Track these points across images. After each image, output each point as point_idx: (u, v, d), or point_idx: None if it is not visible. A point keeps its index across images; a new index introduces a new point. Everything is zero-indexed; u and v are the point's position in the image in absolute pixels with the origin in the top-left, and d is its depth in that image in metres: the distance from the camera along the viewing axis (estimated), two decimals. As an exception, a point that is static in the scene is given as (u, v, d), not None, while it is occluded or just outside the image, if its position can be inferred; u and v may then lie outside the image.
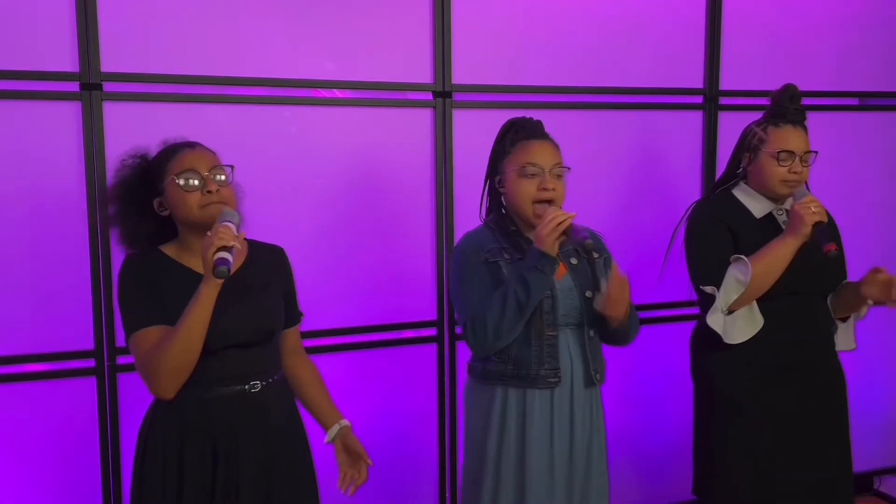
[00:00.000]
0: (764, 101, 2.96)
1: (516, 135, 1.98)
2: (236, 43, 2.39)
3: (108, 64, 2.26)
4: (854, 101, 3.15)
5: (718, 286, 2.09)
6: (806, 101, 3.02)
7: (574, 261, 1.99)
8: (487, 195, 2.08)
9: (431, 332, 2.69)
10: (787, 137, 2.14)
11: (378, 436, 2.65)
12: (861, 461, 3.25)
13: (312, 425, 1.98)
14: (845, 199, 3.11)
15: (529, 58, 2.70)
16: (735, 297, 2.06)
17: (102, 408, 2.33)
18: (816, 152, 2.18)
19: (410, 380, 2.69)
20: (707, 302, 2.15)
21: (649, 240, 2.87)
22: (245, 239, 1.86)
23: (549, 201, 1.91)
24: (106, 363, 2.32)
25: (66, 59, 2.23)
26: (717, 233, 2.16)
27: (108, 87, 2.27)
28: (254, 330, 1.75)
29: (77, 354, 2.31)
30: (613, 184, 2.86)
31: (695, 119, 2.94)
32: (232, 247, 1.57)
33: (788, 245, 2.05)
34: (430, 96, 2.61)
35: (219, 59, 2.37)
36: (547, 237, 1.82)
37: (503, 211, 2.02)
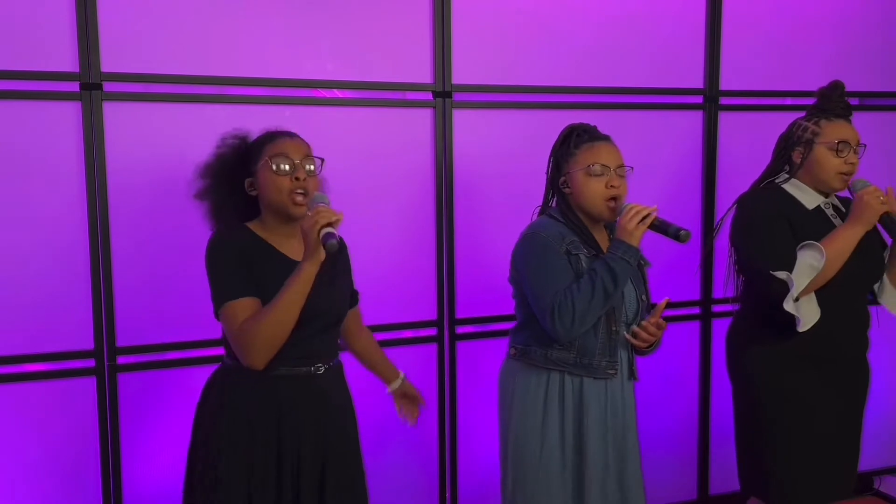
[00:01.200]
0: (764, 100, 2.99)
1: (580, 138, 2.05)
2: (236, 43, 2.39)
3: (108, 64, 2.26)
4: (854, 101, 3.15)
5: (789, 272, 2.09)
6: (806, 100, 3.04)
7: None
8: (553, 195, 2.13)
9: (431, 332, 2.69)
10: (841, 130, 2.19)
11: (378, 435, 2.65)
12: (861, 461, 3.25)
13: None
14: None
15: (529, 58, 2.70)
16: (806, 282, 2.08)
17: (102, 408, 2.33)
18: (865, 145, 2.23)
19: (410, 380, 2.69)
20: (764, 291, 2.15)
21: (649, 239, 2.86)
22: None
23: (615, 199, 2.00)
24: (106, 363, 2.32)
25: (66, 59, 2.23)
26: (778, 221, 2.17)
27: (108, 87, 2.27)
28: (333, 313, 1.87)
29: (77, 354, 2.31)
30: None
31: (695, 119, 2.95)
32: (336, 220, 1.65)
33: (856, 233, 2.09)
34: (430, 96, 2.61)
35: (219, 59, 2.37)
36: (635, 230, 1.94)
37: (570, 207, 2.07)
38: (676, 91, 2.90)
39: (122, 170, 2.30)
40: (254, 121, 2.39)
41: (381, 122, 2.56)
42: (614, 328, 2.01)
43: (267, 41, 2.42)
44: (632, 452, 2.10)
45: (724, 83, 2.94)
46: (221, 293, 1.76)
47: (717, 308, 2.99)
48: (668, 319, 2.91)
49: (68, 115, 2.25)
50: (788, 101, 3.00)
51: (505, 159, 2.69)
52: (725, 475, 3.09)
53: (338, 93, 2.53)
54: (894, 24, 3.16)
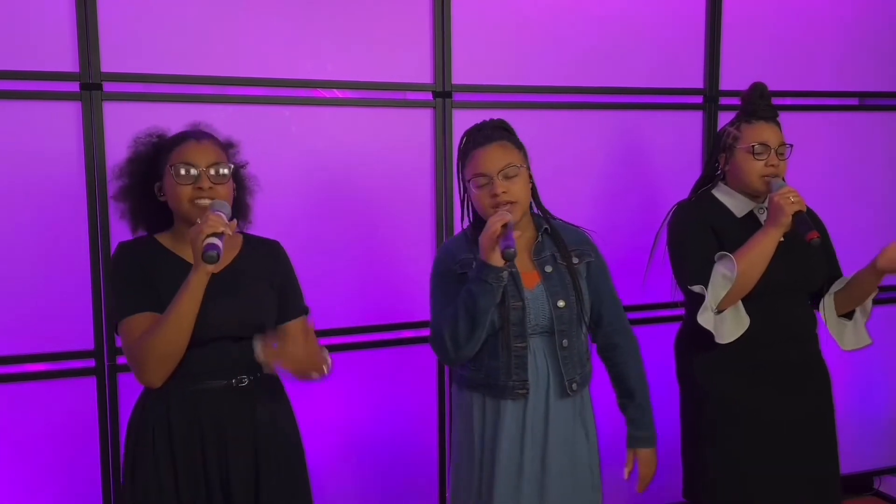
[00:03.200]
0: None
1: (466, 147, 1.95)
2: (236, 43, 2.39)
3: (108, 64, 2.26)
4: (854, 101, 3.15)
5: (706, 285, 2.08)
6: (806, 101, 3.05)
7: (549, 269, 1.95)
8: (465, 206, 2.04)
9: (431, 332, 2.69)
10: (760, 132, 2.15)
11: (378, 435, 2.65)
12: (861, 461, 3.25)
13: (307, 424, 1.98)
14: (845, 199, 3.11)
15: (529, 58, 2.70)
16: (723, 293, 2.06)
17: (102, 408, 2.33)
18: (791, 145, 2.19)
19: (410, 380, 2.69)
20: (693, 303, 2.14)
21: (649, 239, 2.86)
22: (241, 232, 1.87)
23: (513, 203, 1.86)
24: (106, 363, 2.32)
25: (66, 59, 2.23)
26: (700, 233, 2.16)
27: (108, 87, 2.27)
28: (241, 323, 1.74)
29: (77, 354, 2.31)
30: (613, 184, 2.86)
31: (695, 119, 2.95)
32: (222, 233, 1.57)
33: (770, 236, 2.05)
34: (430, 96, 2.61)
35: (219, 59, 2.37)
36: (484, 247, 1.78)
37: (479, 219, 1.97)
38: (676, 91, 2.90)
39: (122, 170, 2.30)
40: (254, 121, 2.41)
41: (382, 122, 2.56)
42: (519, 344, 1.88)
43: (267, 41, 2.42)
44: (584, 473, 1.96)
45: (724, 83, 2.94)
46: (117, 309, 1.71)
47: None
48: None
49: (68, 115, 2.25)
50: (788, 101, 3.00)
51: (505, 159, 2.69)
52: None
53: (338, 93, 2.53)
54: (895, 24, 3.16)
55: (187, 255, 1.73)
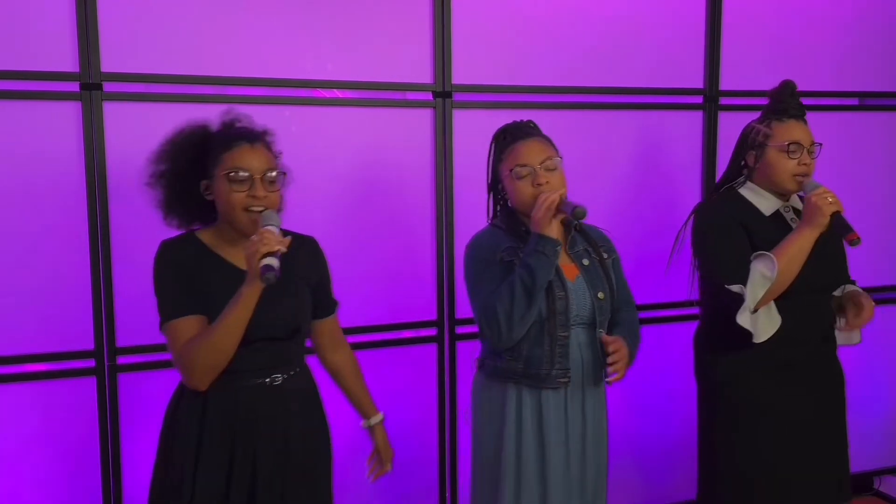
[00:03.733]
0: (764, 101, 2.98)
1: (504, 141, 2.03)
2: (236, 43, 2.39)
3: (108, 64, 2.26)
4: (854, 101, 3.16)
5: (744, 284, 2.06)
6: (806, 101, 3.02)
7: (586, 262, 2.02)
8: (493, 200, 2.12)
9: (431, 332, 2.69)
10: (792, 130, 2.15)
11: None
12: (861, 461, 3.25)
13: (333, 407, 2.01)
14: (845, 199, 3.08)
15: (529, 58, 2.70)
16: (762, 293, 2.04)
17: (102, 408, 2.33)
18: (821, 144, 2.19)
19: (410, 380, 2.69)
20: (722, 302, 2.12)
21: (650, 239, 2.87)
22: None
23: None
24: (106, 363, 2.32)
25: (66, 59, 2.23)
26: (733, 231, 2.14)
27: (108, 87, 2.28)
28: (280, 325, 1.77)
29: (77, 354, 2.31)
30: (613, 184, 2.86)
31: (695, 119, 2.95)
32: (277, 251, 1.58)
33: (806, 237, 2.05)
34: (430, 96, 2.61)
35: (219, 59, 2.37)
36: (541, 219, 1.88)
37: (511, 213, 2.05)
38: (676, 91, 2.90)
39: (122, 170, 2.29)
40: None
41: (382, 122, 2.56)
42: (562, 333, 1.94)
43: (267, 41, 2.42)
44: (603, 459, 2.06)
45: (724, 83, 2.94)
46: (164, 311, 1.72)
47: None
48: (669, 320, 2.95)
49: (68, 115, 2.25)
50: (788, 101, 3.00)
51: (505, 159, 2.69)
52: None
53: (338, 93, 2.53)
54: (895, 24, 3.17)
55: (231, 256, 1.76)
